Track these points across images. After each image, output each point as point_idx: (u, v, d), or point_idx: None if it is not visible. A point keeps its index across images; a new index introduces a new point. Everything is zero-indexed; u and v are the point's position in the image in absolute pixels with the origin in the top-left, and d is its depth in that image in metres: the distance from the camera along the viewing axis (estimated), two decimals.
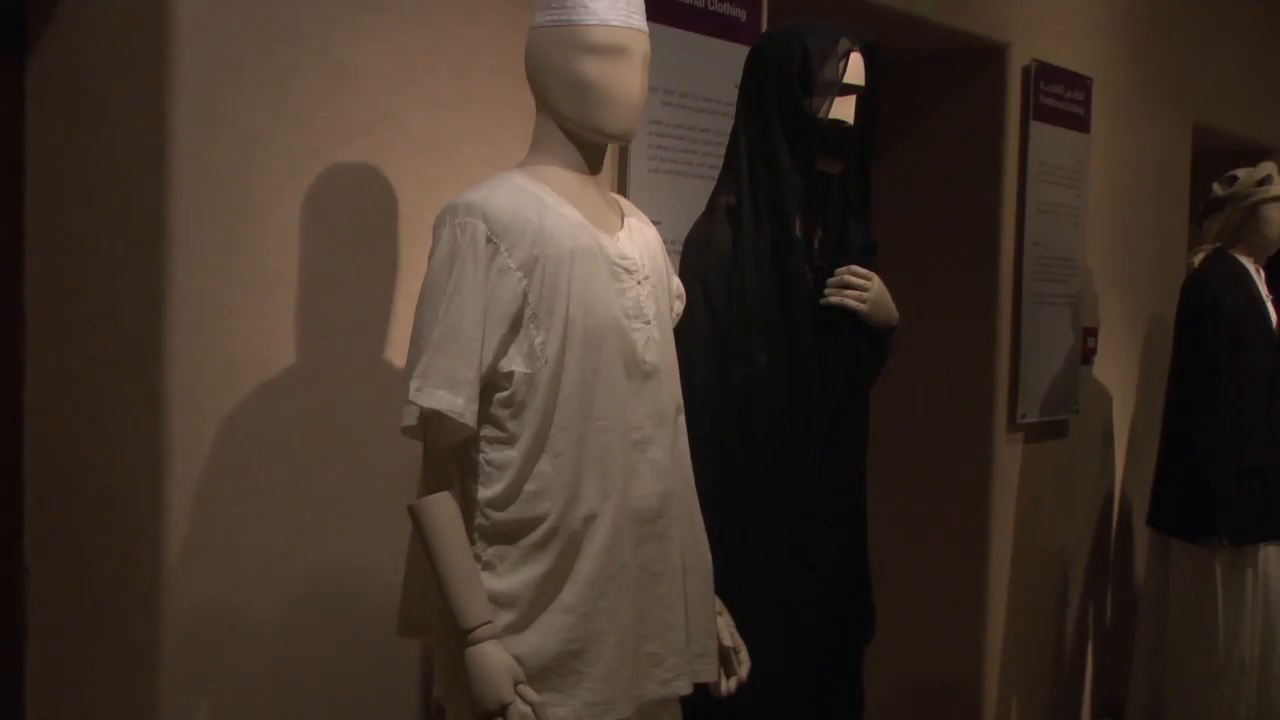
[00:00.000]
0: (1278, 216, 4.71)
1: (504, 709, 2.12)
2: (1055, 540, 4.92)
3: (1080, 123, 4.85)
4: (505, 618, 2.18)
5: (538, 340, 2.20)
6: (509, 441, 2.20)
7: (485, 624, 2.14)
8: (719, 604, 2.49)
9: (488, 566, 2.19)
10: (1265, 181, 4.69)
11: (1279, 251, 4.86)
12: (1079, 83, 4.82)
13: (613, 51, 2.24)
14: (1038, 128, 4.59)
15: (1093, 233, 5.01)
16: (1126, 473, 5.40)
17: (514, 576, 2.19)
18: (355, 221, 2.61)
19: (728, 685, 2.49)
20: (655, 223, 2.59)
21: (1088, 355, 5.04)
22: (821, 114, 2.62)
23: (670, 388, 2.38)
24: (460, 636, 2.14)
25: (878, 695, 4.41)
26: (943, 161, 4.59)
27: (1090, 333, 5.05)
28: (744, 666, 2.52)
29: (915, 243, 4.59)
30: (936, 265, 4.58)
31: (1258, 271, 4.75)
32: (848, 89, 2.66)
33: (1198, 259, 4.79)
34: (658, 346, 2.34)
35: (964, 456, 4.56)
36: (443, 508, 2.16)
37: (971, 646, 4.56)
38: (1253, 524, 4.57)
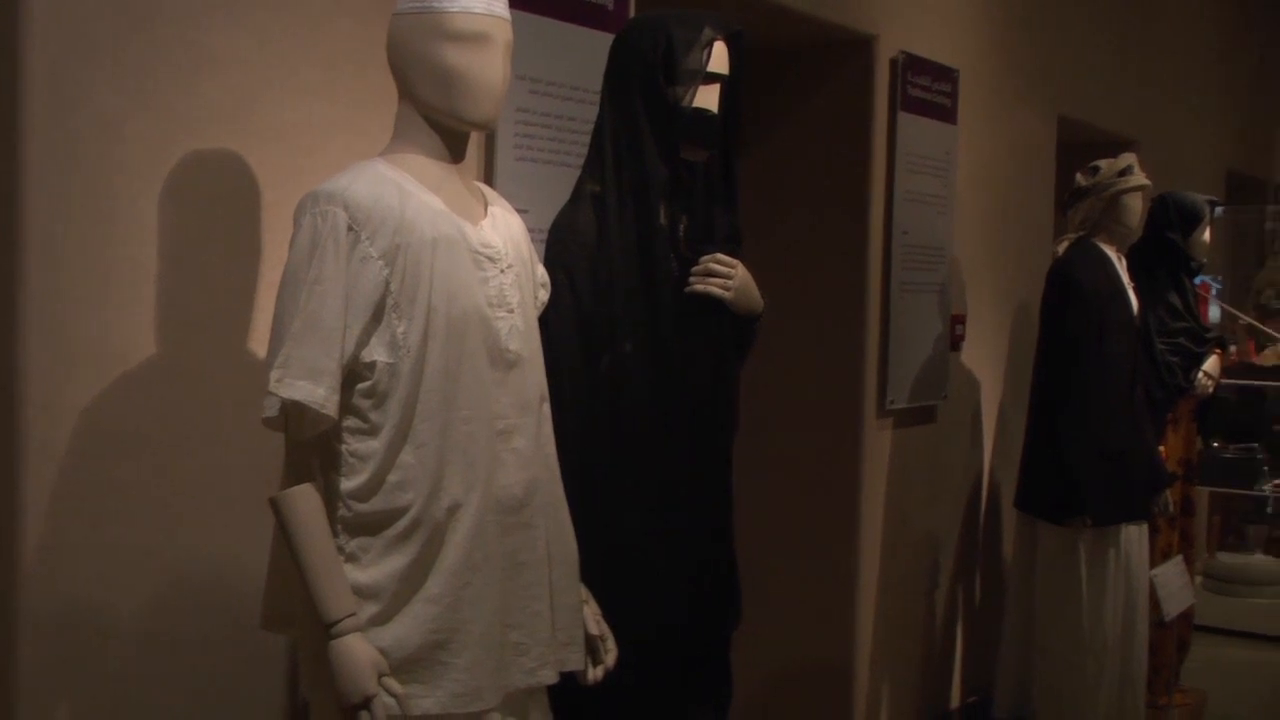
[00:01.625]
0: (1138, 206, 4.83)
1: (368, 701, 2.11)
2: (925, 524, 5.00)
3: (947, 114, 4.92)
4: (369, 609, 2.16)
5: (400, 330, 2.18)
6: (371, 432, 2.19)
7: (349, 616, 2.13)
8: (585, 592, 2.50)
9: (351, 558, 2.18)
10: (1126, 172, 4.80)
11: (1139, 240, 4.99)
12: (945, 75, 4.89)
13: (474, 39, 2.23)
14: (905, 118, 4.66)
15: (960, 222, 5.09)
16: (994, 456, 5.50)
17: (377, 568, 2.18)
18: (217, 210, 2.57)
19: (594, 673, 2.50)
20: (522, 211, 2.58)
21: (956, 342, 5.12)
22: (685, 102, 2.63)
23: (534, 376, 2.38)
24: (324, 629, 2.12)
25: (749, 680, 4.46)
26: (811, 151, 4.63)
27: (958, 320, 5.13)
28: (610, 655, 2.53)
29: (785, 232, 4.63)
30: (806, 254, 4.62)
31: (1119, 259, 4.86)
32: (711, 77, 2.67)
33: (1061, 247, 4.89)
34: (521, 335, 2.34)
35: (834, 442, 4.61)
36: (305, 500, 2.15)
37: (842, 630, 4.62)
38: (1115, 505, 4.68)
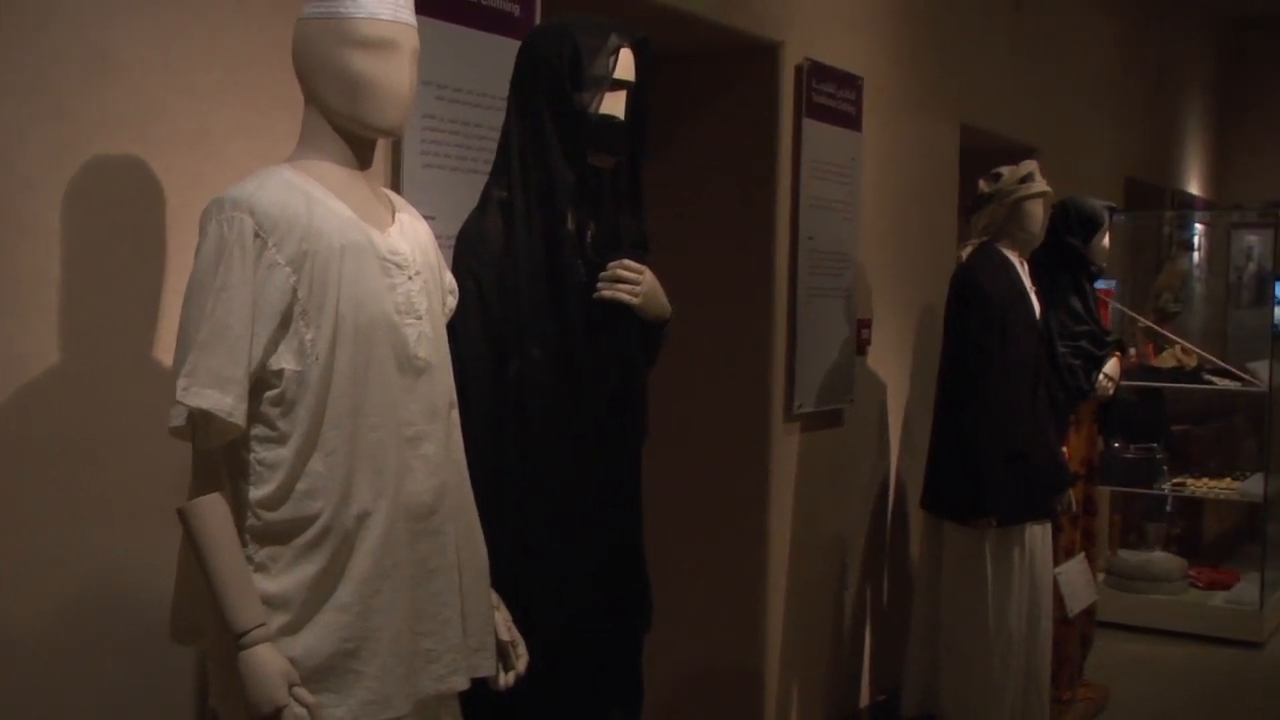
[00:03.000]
0: (1039, 212, 4.91)
1: (279, 712, 2.09)
2: (833, 526, 5.05)
3: (852, 121, 4.98)
4: (279, 619, 2.15)
5: (308, 337, 2.17)
6: (280, 440, 2.18)
7: (258, 626, 2.11)
8: (496, 598, 2.51)
9: (260, 568, 2.17)
10: (1027, 179, 4.89)
11: (1041, 245, 5.08)
12: (850, 82, 4.94)
13: (381, 45, 2.23)
14: (810, 125, 4.70)
15: (865, 227, 5.14)
16: (901, 458, 5.55)
17: (287, 577, 2.17)
18: (121, 217, 2.54)
19: (506, 679, 2.50)
20: (429, 218, 2.58)
21: (862, 346, 5.17)
22: (592, 109, 2.64)
23: (443, 383, 2.38)
24: (233, 640, 2.11)
25: (660, 683, 4.47)
26: (718, 157, 4.66)
27: (864, 324, 5.18)
28: (522, 660, 2.53)
29: (692, 237, 4.66)
30: (713, 260, 4.65)
31: (1021, 264, 4.94)
32: (618, 84, 2.69)
33: (965, 252, 4.96)
34: (430, 342, 2.34)
35: (742, 446, 4.64)
36: (213, 509, 2.13)
37: (752, 633, 4.65)
38: (1019, 505, 4.76)
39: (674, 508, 4.64)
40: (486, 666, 2.43)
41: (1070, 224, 5.44)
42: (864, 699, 5.35)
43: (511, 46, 2.91)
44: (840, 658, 5.16)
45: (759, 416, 4.62)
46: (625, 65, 2.70)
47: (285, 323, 2.17)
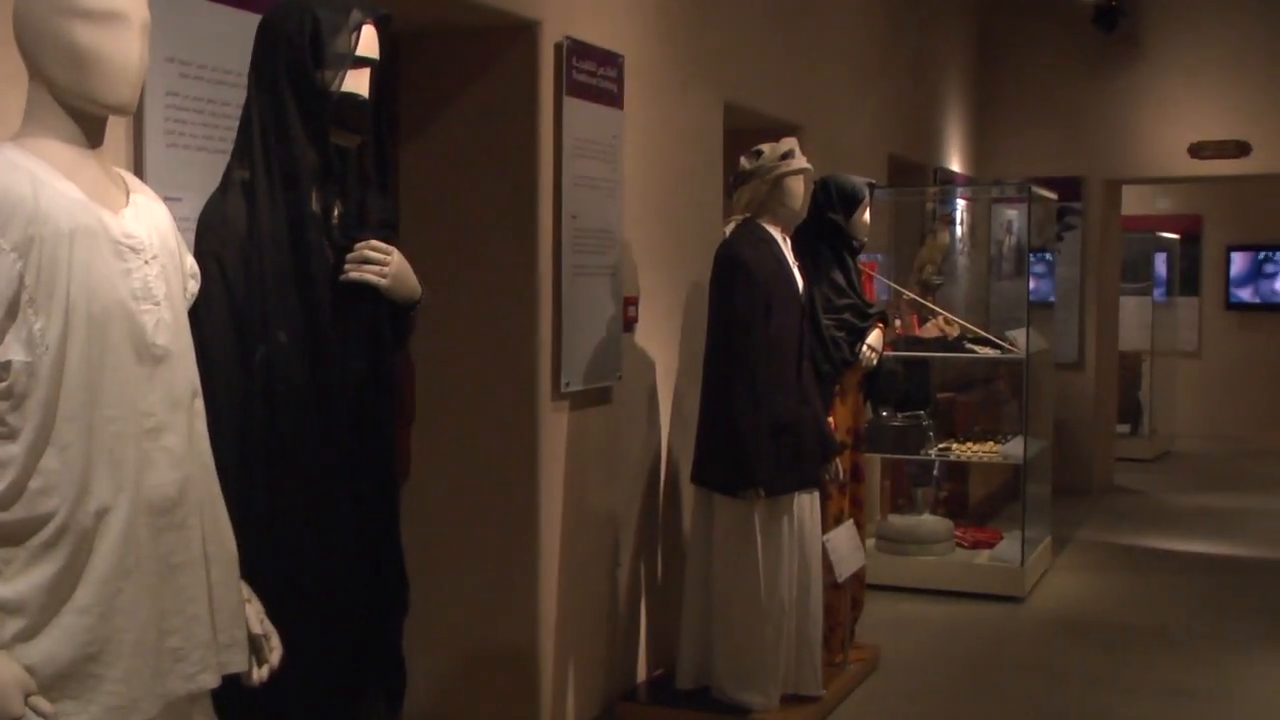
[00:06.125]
0: (799, 188, 5.01)
1: None
2: (604, 503, 5.07)
3: (613, 99, 4.98)
4: (13, 625, 2.06)
5: (37, 326, 2.08)
6: (10, 436, 2.08)
7: None
8: (247, 590, 2.44)
9: None
10: (787, 156, 4.98)
11: (804, 220, 5.17)
12: (611, 60, 4.95)
13: (107, 16, 2.14)
14: (571, 103, 4.69)
15: (630, 205, 5.16)
16: (671, 434, 5.59)
17: (21, 580, 2.07)
18: None
19: (259, 674, 2.44)
20: (175, 199, 2.50)
21: (629, 323, 5.19)
22: (334, 87, 2.61)
23: (185, 371, 2.30)
24: None
25: (432, 667, 4.45)
26: (478, 137, 4.63)
27: (631, 301, 5.20)
28: (275, 653, 2.47)
29: (453, 218, 4.63)
30: (476, 240, 4.62)
31: (784, 239, 5.03)
32: (361, 62, 2.65)
33: (728, 229, 5.03)
34: (169, 329, 2.25)
35: (510, 427, 4.62)
36: None
37: (526, 612, 4.64)
38: (787, 476, 4.87)
39: (443, 490, 4.61)
40: (238, 662, 2.37)
41: (831, 200, 5.57)
42: (641, 674, 5.39)
43: (257, 21, 2.83)
44: (615, 634, 5.19)
45: (526, 396, 4.61)
46: (368, 42, 2.67)
47: (12, 312, 2.07)
